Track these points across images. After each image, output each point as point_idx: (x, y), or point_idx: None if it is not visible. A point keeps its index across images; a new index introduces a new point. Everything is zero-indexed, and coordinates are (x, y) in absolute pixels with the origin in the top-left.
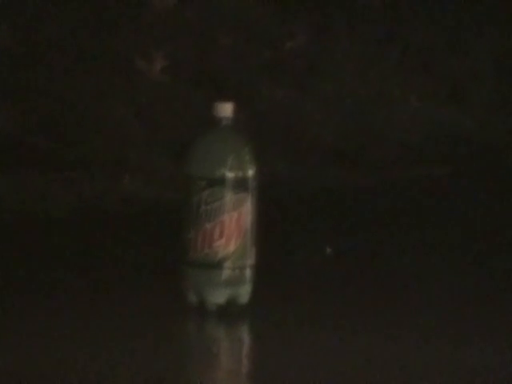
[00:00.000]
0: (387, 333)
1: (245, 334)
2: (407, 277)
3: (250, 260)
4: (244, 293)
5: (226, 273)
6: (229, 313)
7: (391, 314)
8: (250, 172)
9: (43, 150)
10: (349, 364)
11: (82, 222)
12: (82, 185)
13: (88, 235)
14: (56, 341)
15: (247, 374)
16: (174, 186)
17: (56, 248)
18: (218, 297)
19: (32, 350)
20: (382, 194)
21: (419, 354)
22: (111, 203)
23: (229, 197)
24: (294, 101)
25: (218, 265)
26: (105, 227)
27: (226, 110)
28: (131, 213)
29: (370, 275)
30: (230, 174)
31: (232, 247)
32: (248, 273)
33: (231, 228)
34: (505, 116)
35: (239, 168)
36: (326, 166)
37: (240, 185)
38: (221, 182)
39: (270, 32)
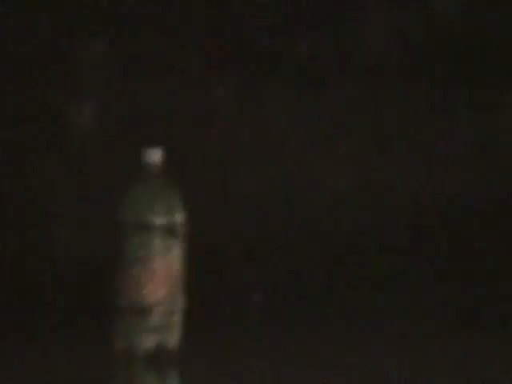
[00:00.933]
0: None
1: (174, 380)
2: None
3: (180, 305)
4: (173, 338)
5: (155, 319)
6: (158, 358)
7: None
8: (179, 217)
9: None
10: None
11: None
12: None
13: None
14: None
15: None
16: (105, 233)
17: None
18: (146, 342)
19: None
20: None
21: None
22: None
23: (158, 243)
24: (223, 149)
25: (146, 311)
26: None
27: (154, 155)
28: (60, 261)
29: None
30: (158, 220)
31: (161, 293)
32: (177, 318)
33: (160, 274)
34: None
35: (167, 214)
36: (253, 212)
37: (169, 231)
38: (149, 227)
39: (199, 81)
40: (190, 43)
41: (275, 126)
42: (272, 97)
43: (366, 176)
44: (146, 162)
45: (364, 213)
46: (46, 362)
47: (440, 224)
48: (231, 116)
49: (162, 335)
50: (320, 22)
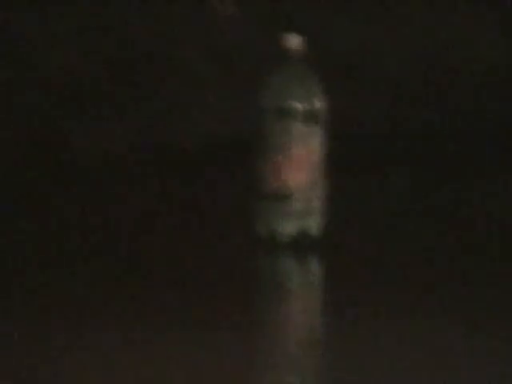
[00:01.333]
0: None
1: (317, 267)
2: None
3: (321, 192)
4: (315, 225)
5: (297, 205)
6: (300, 245)
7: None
8: (319, 105)
9: (120, 94)
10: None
11: (160, 160)
12: (159, 124)
13: (165, 172)
14: None
15: (321, 308)
16: (245, 120)
17: (136, 184)
18: (288, 228)
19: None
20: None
21: None
22: (188, 141)
23: (298, 129)
24: (367, 36)
25: (288, 197)
26: (182, 164)
27: (295, 42)
28: (206, 149)
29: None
30: (299, 106)
31: (302, 179)
32: (319, 205)
33: (301, 160)
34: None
35: (308, 100)
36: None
37: (309, 117)
38: (290, 114)
39: None
40: None
41: None
42: None
43: None
44: (287, 49)
45: None
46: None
47: None
48: None
49: (304, 221)
50: None
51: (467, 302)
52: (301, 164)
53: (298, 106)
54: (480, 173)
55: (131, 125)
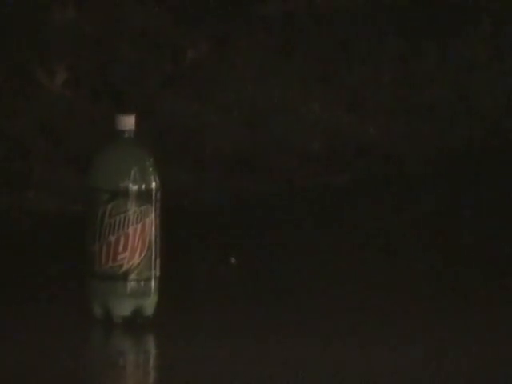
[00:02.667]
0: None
1: (151, 346)
2: (309, 282)
3: (155, 271)
4: (149, 304)
5: (131, 285)
6: (134, 325)
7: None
8: (154, 184)
9: None
10: (257, 371)
11: None
12: None
13: None
14: None
15: None
16: (79, 199)
17: None
18: (123, 309)
19: None
20: (283, 201)
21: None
22: (15, 217)
23: (133, 209)
24: (195, 112)
25: (122, 277)
26: (10, 240)
27: (127, 122)
28: (36, 226)
29: (275, 283)
30: (133, 187)
31: (137, 259)
32: (153, 284)
33: (135, 240)
34: (404, 125)
35: (142, 180)
36: (228, 176)
37: (143, 197)
38: (124, 194)
39: (171, 43)
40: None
41: None
42: None
43: None
44: (119, 129)
45: None
46: (29, 325)
47: None
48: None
49: (139, 301)
50: None
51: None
52: (135, 243)
53: (132, 186)
54: None
55: None
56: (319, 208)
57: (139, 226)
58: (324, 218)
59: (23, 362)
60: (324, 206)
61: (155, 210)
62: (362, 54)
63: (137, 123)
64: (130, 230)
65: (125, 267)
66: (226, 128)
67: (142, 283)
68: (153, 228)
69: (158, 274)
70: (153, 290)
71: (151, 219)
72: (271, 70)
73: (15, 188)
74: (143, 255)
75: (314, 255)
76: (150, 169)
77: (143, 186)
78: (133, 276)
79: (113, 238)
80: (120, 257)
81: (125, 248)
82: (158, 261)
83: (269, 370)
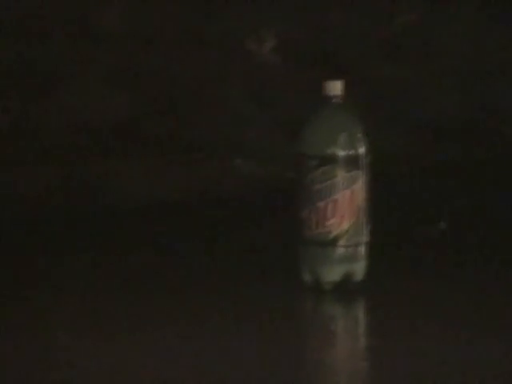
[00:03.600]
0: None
1: (361, 312)
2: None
3: (364, 237)
4: (359, 270)
5: (340, 251)
6: (344, 290)
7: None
8: (362, 149)
9: (159, 134)
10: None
11: (199, 204)
12: (198, 167)
13: (205, 217)
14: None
15: (365, 351)
16: (288, 166)
17: (173, 230)
18: (332, 275)
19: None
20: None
21: None
22: (227, 185)
23: (341, 175)
24: (408, 77)
25: (331, 243)
26: (222, 208)
27: (336, 88)
28: (246, 194)
29: (486, 251)
30: (341, 152)
31: (345, 225)
32: (362, 250)
33: (344, 206)
34: None
35: (351, 146)
36: (441, 143)
37: (352, 163)
38: (333, 160)
39: (382, 8)
40: None
41: None
42: None
43: None
44: (328, 95)
45: None
46: (241, 292)
47: None
48: None
49: (348, 267)
50: None
51: None
52: (344, 209)
53: (341, 152)
54: None
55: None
56: None
57: (348, 191)
58: None
59: (238, 327)
60: None
61: (364, 176)
62: None
63: (345, 89)
64: (339, 196)
65: (334, 233)
66: (434, 95)
67: (351, 249)
68: (362, 194)
69: (367, 239)
70: (362, 256)
71: (360, 185)
72: (487, 32)
73: (227, 157)
74: (352, 221)
75: None
76: (359, 134)
77: (352, 152)
78: (342, 242)
79: (321, 204)
80: (329, 223)
81: (333, 214)
82: (367, 226)
83: None
